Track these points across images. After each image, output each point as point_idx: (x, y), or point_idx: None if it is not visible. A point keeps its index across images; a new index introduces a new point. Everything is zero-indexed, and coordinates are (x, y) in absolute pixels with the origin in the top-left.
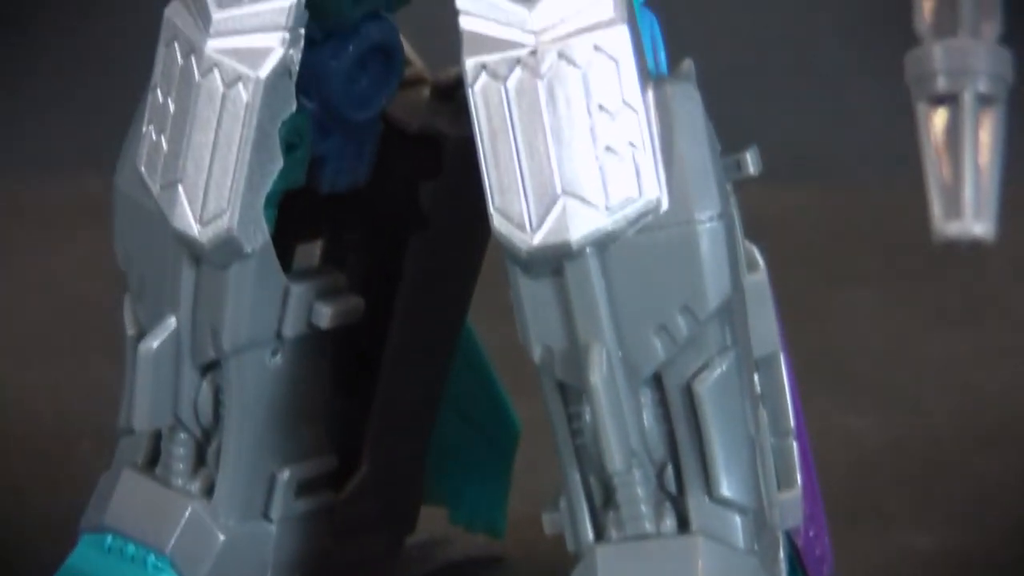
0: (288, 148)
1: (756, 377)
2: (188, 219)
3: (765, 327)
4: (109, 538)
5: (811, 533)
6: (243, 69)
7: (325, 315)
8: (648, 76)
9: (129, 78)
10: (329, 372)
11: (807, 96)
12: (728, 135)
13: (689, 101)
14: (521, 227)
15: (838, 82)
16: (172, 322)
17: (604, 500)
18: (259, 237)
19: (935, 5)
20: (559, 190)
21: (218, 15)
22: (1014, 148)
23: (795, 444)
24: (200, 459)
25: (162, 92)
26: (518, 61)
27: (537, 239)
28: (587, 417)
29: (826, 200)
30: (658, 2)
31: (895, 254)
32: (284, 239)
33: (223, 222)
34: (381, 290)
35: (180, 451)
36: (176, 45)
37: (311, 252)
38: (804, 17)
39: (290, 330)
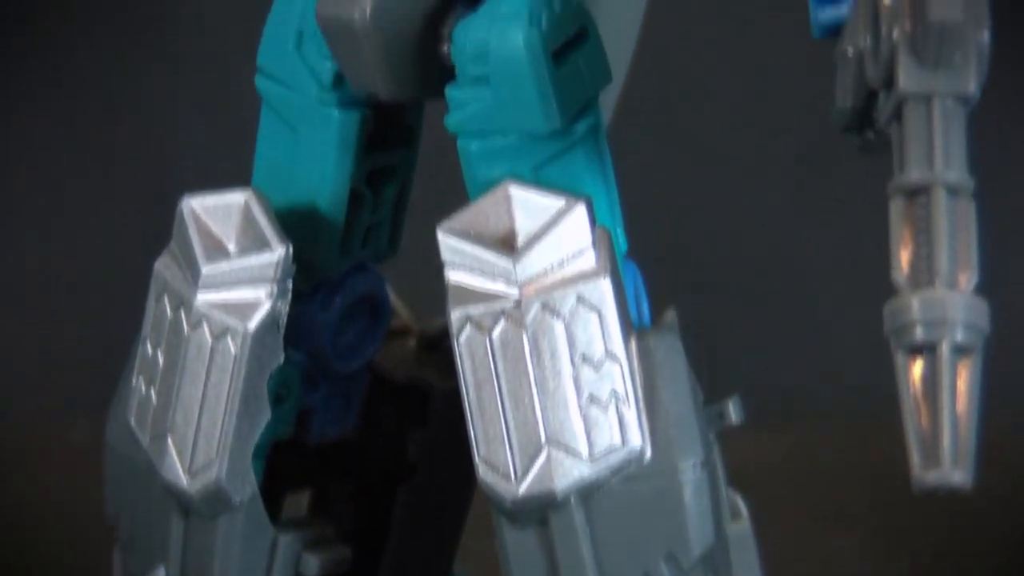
0: (276, 400)
1: None
2: (177, 470)
3: (749, 574)
4: None
5: None
6: (231, 322)
7: (313, 565)
8: (631, 327)
9: (118, 330)
10: None
11: (790, 341)
12: (713, 379)
13: (672, 352)
14: (506, 477)
15: (822, 326)
16: (161, 573)
17: None
18: (247, 488)
19: (912, 257)
20: (543, 440)
21: (207, 269)
22: (989, 395)
23: None
24: None
25: (152, 345)
26: (502, 312)
27: (522, 489)
28: None
29: (811, 443)
30: (640, 254)
31: (880, 498)
32: (272, 489)
33: (212, 474)
34: (369, 539)
35: None
36: (166, 298)
37: (299, 500)
38: (786, 260)
39: None
